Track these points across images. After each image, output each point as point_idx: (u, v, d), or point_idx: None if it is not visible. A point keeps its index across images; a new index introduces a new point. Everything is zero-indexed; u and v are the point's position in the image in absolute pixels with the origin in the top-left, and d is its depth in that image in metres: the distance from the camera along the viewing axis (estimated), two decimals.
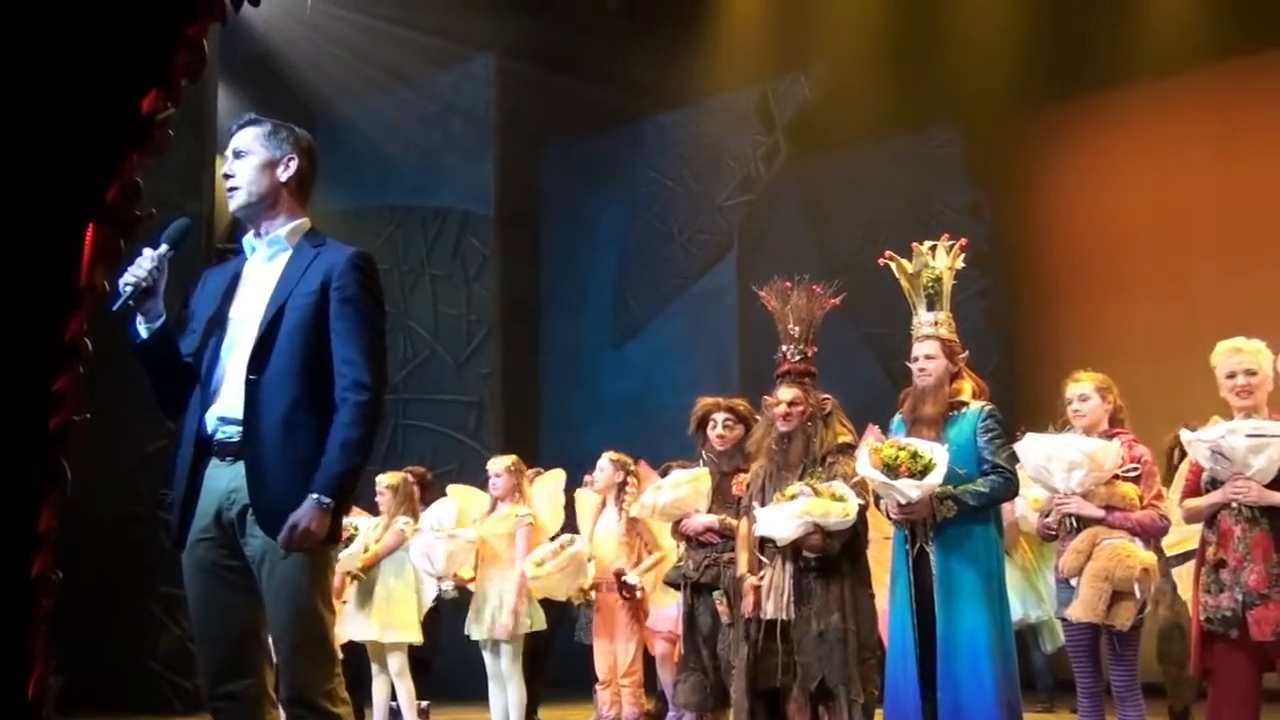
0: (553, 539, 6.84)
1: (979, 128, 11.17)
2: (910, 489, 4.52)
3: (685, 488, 5.62)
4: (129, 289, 3.10)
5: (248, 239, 3.37)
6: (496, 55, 11.69)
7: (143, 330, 3.20)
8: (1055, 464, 4.68)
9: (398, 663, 6.99)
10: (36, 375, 2.18)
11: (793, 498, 4.82)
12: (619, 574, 6.46)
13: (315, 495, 3.03)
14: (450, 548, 6.75)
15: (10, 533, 2.15)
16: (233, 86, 10.76)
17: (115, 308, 3.04)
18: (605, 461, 6.78)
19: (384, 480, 7.28)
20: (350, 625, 6.91)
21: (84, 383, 2.28)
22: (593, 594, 6.75)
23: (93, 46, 2.20)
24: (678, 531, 5.70)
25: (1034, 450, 4.75)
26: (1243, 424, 4.42)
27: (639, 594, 6.51)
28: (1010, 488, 4.78)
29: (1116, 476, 4.72)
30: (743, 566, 5.08)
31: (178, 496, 3.22)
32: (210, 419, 3.19)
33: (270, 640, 3.16)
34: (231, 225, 10.29)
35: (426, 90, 11.95)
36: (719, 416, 5.64)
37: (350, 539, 6.91)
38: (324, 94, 11.68)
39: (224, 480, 3.14)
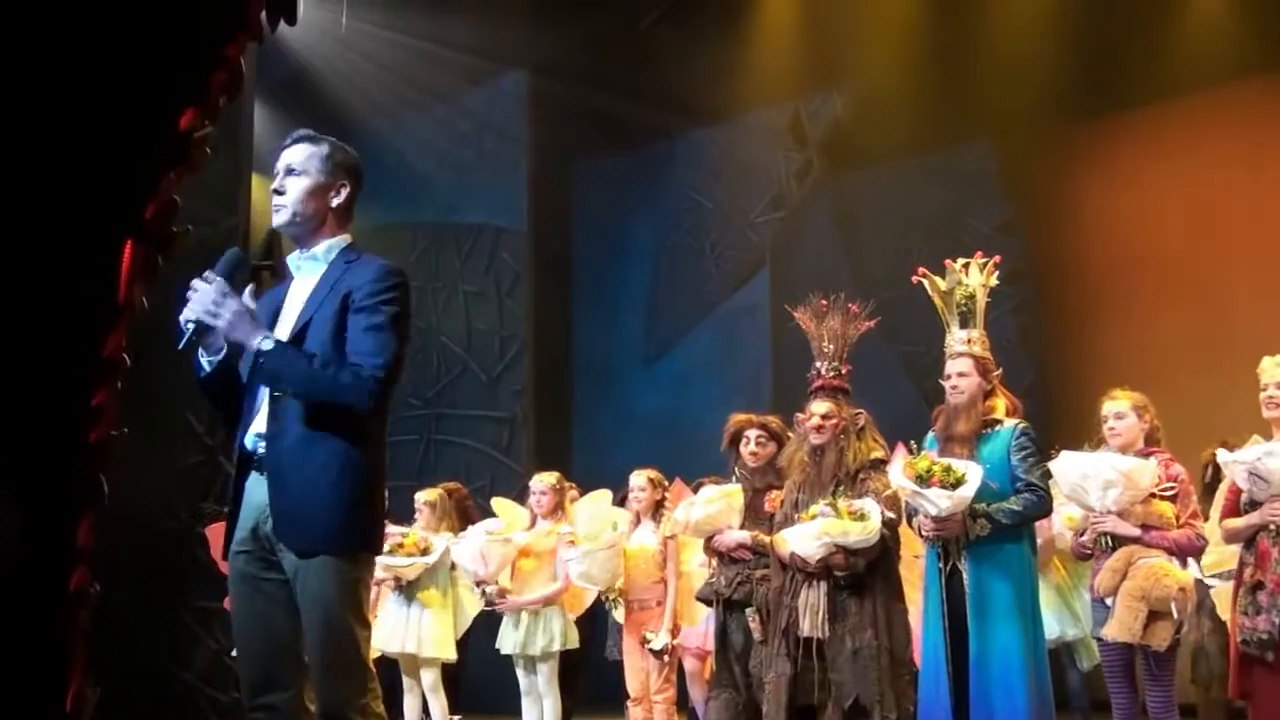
0: None
1: (1012, 144, 11.12)
2: (941, 499, 4.50)
3: (718, 504, 5.61)
4: (190, 326, 3.14)
5: (292, 258, 3.41)
6: (529, 72, 11.73)
7: (205, 364, 3.25)
8: (1091, 483, 4.65)
9: (431, 677, 7.01)
10: (75, 390, 2.20)
11: (814, 518, 4.84)
12: (644, 641, 6.45)
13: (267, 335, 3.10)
14: (504, 551, 6.80)
15: (49, 546, 2.17)
16: (268, 104, 10.85)
17: (181, 346, 3.11)
18: (643, 481, 6.75)
19: (422, 497, 7.31)
20: (386, 637, 6.94)
21: (121, 398, 2.30)
22: (620, 600, 6.73)
23: (130, 65, 2.22)
24: (710, 548, 5.69)
25: (1069, 469, 4.71)
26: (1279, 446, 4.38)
27: (666, 654, 6.48)
28: (1044, 506, 4.75)
29: (1153, 495, 4.69)
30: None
31: (230, 511, 3.26)
32: (250, 436, 3.23)
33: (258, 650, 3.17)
34: (266, 241, 10.36)
35: (459, 107, 12.01)
36: (751, 433, 5.63)
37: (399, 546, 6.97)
38: (358, 111, 11.75)
39: (259, 494, 3.17)
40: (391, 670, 7.06)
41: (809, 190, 11.68)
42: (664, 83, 11.07)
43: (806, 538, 4.80)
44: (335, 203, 3.33)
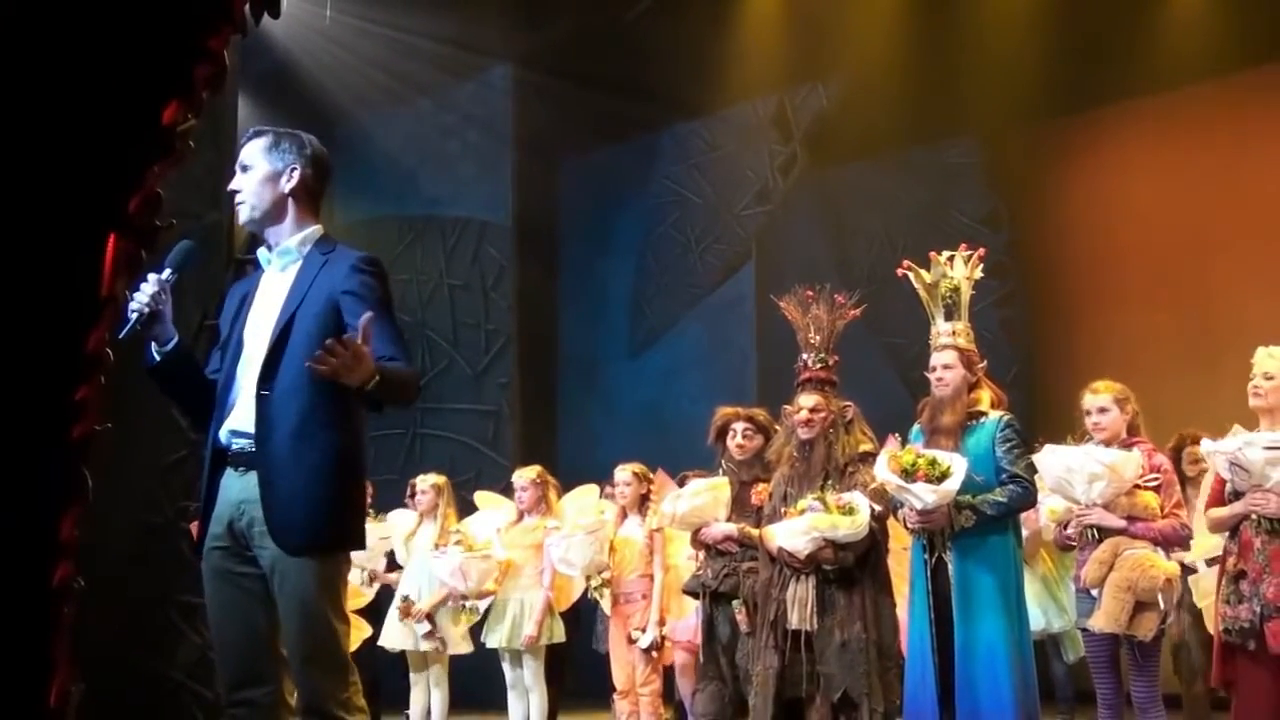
0: None
1: (997, 138, 11.15)
2: (926, 494, 4.52)
3: (705, 496, 5.61)
4: (134, 316, 3.11)
5: (261, 252, 3.39)
6: (514, 66, 11.71)
7: (155, 354, 3.24)
8: (1076, 476, 4.66)
9: (439, 671, 7.05)
10: (58, 385, 2.20)
11: (802, 512, 4.84)
12: (631, 640, 6.47)
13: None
14: (484, 567, 6.80)
15: (33, 541, 2.16)
16: (252, 98, 10.80)
17: (121, 336, 3.01)
18: (628, 475, 6.75)
19: (429, 480, 7.29)
20: (403, 634, 6.95)
21: (105, 392, 2.29)
22: (606, 591, 6.73)
23: (114, 58, 2.21)
24: (697, 540, 5.69)
25: (1053, 462, 4.73)
26: (1260, 436, 4.40)
27: (655, 650, 6.49)
28: (1028, 497, 4.77)
29: (1137, 486, 4.71)
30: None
31: (200, 507, 3.26)
32: (224, 432, 3.22)
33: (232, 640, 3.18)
34: (250, 236, 10.32)
35: (444, 101, 11.98)
36: (738, 426, 5.63)
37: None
38: (343, 105, 11.71)
39: (235, 490, 3.17)
40: (374, 665, 7.06)
41: (794, 183, 11.69)
42: (649, 76, 11.06)
43: (795, 533, 4.80)
44: (289, 187, 3.30)
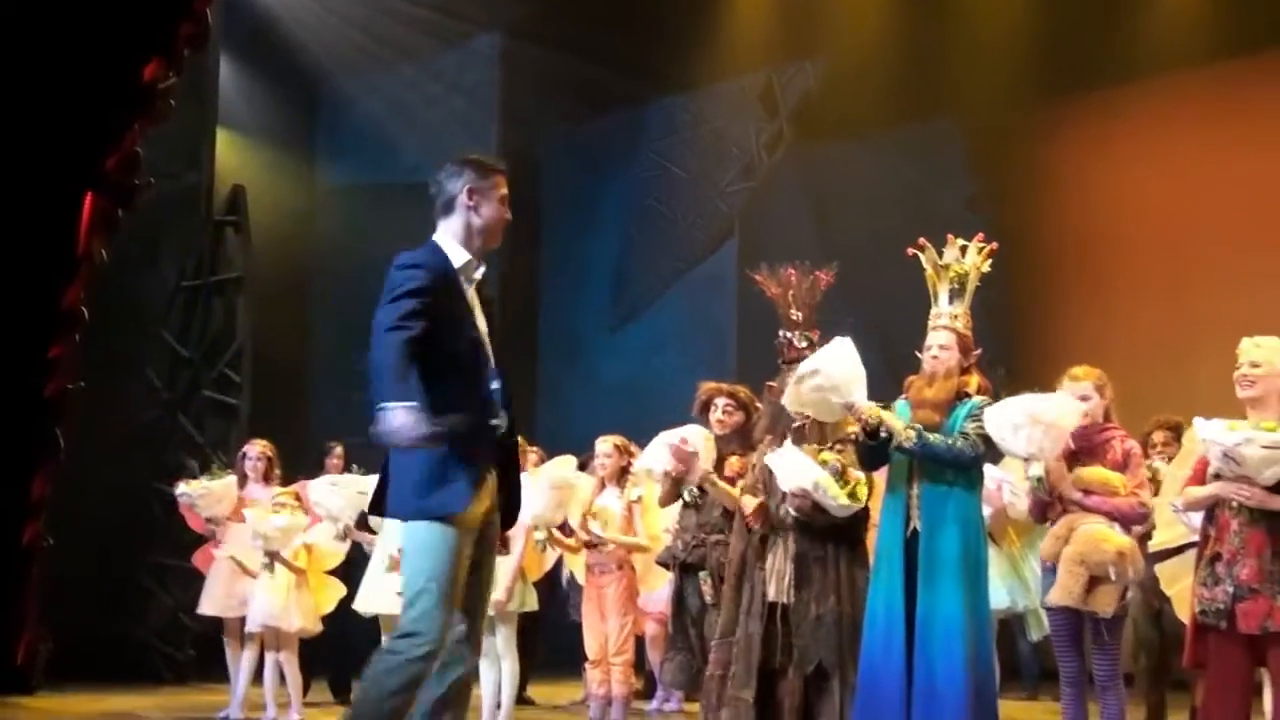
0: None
1: (983, 120, 11.15)
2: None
3: (703, 444, 5.60)
4: None
5: (474, 267, 4.04)
6: (502, 34, 11.66)
7: None
8: (1006, 430, 4.64)
9: None
10: (33, 342, 2.18)
11: (824, 463, 4.82)
12: (584, 526, 6.39)
13: None
14: None
15: (3, 499, 2.15)
16: (234, 58, 10.72)
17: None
18: (609, 447, 6.71)
19: None
20: (378, 598, 6.81)
21: (79, 351, 2.28)
22: (579, 564, 6.69)
23: (96, 15, 2.19)
24: (673, 494, 5.68)
25: (998, 416, 4.70)
26: (1261, 435, 4.39)
27: (604, 545, 6.40)
28: (969, 456, 4.67)
29: (1103, 466, 4.74)
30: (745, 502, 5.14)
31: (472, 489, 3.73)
32: (497, 429, 3.92)
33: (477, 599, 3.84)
34: (230, 197, 10.22)
35: (430, 68, 11.92)
36: (720, 401, 5.64)
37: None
38: (326, 68, 11.65)
39: (495, 479, 3.89)
40: (345, 626, 7.06)
41: (779, 160, 11.70)
42: (637, 49, 11.04)
43: (801, 471, 4.78)
44: None
